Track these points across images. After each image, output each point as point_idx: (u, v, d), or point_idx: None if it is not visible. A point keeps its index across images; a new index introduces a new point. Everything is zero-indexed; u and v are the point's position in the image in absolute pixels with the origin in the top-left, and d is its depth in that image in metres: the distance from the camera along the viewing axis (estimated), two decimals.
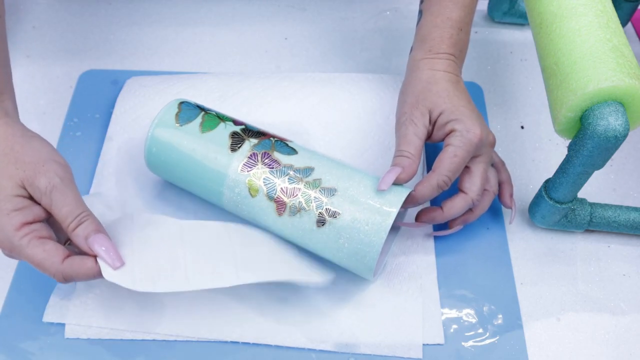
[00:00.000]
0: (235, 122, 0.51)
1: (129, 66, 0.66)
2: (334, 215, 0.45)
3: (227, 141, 0.49)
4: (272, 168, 0.47)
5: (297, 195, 0.46)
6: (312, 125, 0.60)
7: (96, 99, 0.63)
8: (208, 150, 0.49)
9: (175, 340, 0.48)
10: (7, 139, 0.44)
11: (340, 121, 0.61)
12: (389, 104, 0.62)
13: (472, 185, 0.49)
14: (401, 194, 0.46)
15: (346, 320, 0.49)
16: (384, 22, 0.72)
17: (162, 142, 0.51)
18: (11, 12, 0.72)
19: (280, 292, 0.51)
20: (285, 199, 0.46)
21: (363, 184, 0.46)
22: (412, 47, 0.53)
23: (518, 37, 0.70)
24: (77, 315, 0.49)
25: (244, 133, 0.49)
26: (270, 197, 0.47)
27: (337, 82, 0.64)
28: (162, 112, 0.51)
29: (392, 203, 0.45)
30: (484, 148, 0.49)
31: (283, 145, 0.49)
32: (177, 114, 0.51)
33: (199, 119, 0.50)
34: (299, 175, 0.47)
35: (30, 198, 0.43)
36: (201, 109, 0.52)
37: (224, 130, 0.49)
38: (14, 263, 0.52)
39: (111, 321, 0.49)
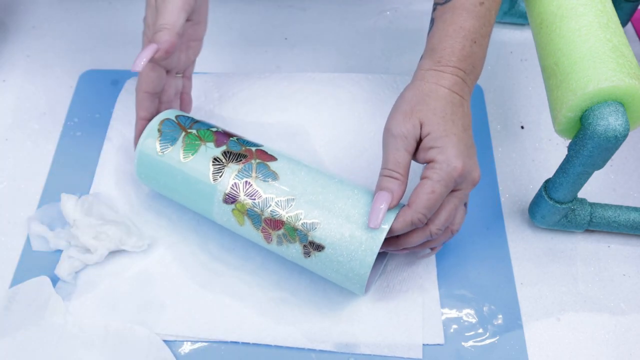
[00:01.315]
0: (217, 141, 0.48)
1: (129, 66, 0.66)
2: (317, 248, 0.45)
3: (209, 169, 0.47)
4: (254, 200, 0.46)
5: (280, 227, 0.45)
6: (312, 125, 0.61)
7: (96, 99, 0.63)
8: (191, 181, 0.48)
9: (175, 340, 0.48)
10: None
11: (340, 121, 0.61)
12: (389, 104, 0.62)
13: (437, 219, 0.45)
14: (382, 231, 0.44)
15: (346, 320, 0.49)
16: (384, 22, 0.72)
17: (147, 172, 0.50)
18: (11, 12, 0.72)
19: (280, 292, 0.51)
20: (270, 230, 0.46)
21: (346, 212, 0.44)
22: (422, 56, 0.50)
23: (518, 37, 0.70)
24: (78, 316, 0.49)
25: (225, 157, 0.47)
26: (257, 228, 0.46)
27: (337, 82, 0.64)
28: (144, 137, 0.49)
29: (374, 237, 0.43)
30: (463, 183, 0.45)
31: (264, 168, 0.47)
32: (158, 139, 0.49)
33: (179, 142, 0.48)
34: (280, 208, 0.45)
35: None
36: (182, 126, 0.49)
37: (205, 155, 0.48)
38: (14, 262, 0.52)
39: (110, 321, 0.49)
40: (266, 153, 0.48)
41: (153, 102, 0.51)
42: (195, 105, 0.62)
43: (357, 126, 0.61)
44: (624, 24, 0.67)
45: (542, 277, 0.53)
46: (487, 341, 0.49)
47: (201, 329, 0.49)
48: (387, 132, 0.46)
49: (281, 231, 0.45)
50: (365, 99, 0.62)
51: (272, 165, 0.47)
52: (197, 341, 0.49)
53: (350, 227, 0.44)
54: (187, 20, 0.49)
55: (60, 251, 0.52)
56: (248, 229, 0.47)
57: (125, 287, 0.51)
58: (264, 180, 0.46)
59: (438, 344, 0.49)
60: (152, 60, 0.45)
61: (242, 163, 0.47)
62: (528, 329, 0.50)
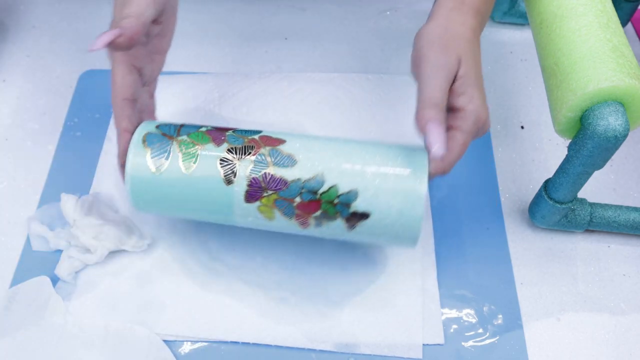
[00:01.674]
0: (215, 140, 0.44)
1: None
2: (362, 217, 0.42)
3: (219, 173, 0.43)
4: (281, 189, 0.42)
5: (317, 208, 0.42)
6: (312, 125, 0.61)
7: (96, 99, 0.63)
8: (202, 192, 0.43)
9: (175, 340, 0.48)
10: None
11: (340, 121, 0.61)
12: (389, 104, 0.62)
13: (452, 161, 0.43)
14: (422, 181, 0.42)
15: (346, 320, 0.49)
16: (384, 22, 0.72)
17: (147, 197, 0.45)
18: (11, 12, 0.72)
19: (280, 292, 0.51)
20: (306, 215, 0.43)
21: (380, 171, 0.42)
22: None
23: (518, 37, 0.70)
24: (78, 316, 0.49)
25: (231, 154, 0.43)
26: (289, 217, 0.43)
27: (337, 82, 0.64)
28: (131, 157, 0.44)
29: (416, 188, 0.41)
30: (480, 131, 0.44)
31: (278, 155, 0.43)
32: (149, 155, 0.43)
33: (174, 153, 0.43)
34: (312, 189, 0.42)
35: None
36: (168, 135, 0.44)
37: (209, 159, 0.43)
38: (14, 262, 0.52)
39: (110, 321, 0.49)
40: (272, 137, 0.44)
41: (134, 111, 0.46)
42: (195, 105, 0.62)
43: (357, 126, 0.61)
44: (624, 24, 0.67)
45: (542, 277, 0.53)
46: (487, 341, 0.49)
47: (201, 329, 0.49)
48: (425, 62, 0.43)
49: (318, 212, 0.42)
50: (365, 99, 0.62)
51: (284, 148, 0.43)
52: (197, 341, 0.49)
53: (389, 184, 0.41)
54: (155, 22, 0.46)
55: (60, 251, 0.52)
56: (280, 222, 0.44)
57: (125, 287, 0.51)
58: (284, 166, 0.42)
59: (438, 344, 0.49)
60: (114, 46, 0.41)
61: (253, 155, 0.43)
62: (528, 329, 0.50)
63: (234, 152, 0.43)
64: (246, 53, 0.68)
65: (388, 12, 0.73)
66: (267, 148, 0.43)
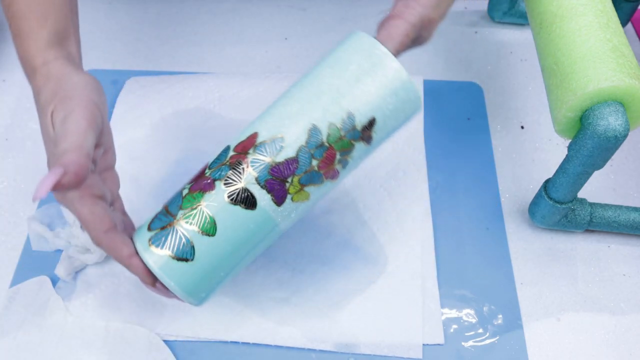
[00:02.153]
0: (203, 188, 0.40)
1: (129, 66, 0.66)
2: (370, 126, 0.40)
3: (239, 209, 0.39)
4: (295, 169, 0.40)
5: (335, 154, 0.40)
6: None
7: None
8: (241, 237, 0.40)
9: (175, 340, 0.48)
10: (60, 80, 0.41)
11: None
12: None
13: (390, 42, 0.41)
14: (381, 54, 0.40)
15: (346, 320, 0.49)
16: None
17: (201, 286, 0.41)
18: None
19: (281, 292, 0.51)
20: (330, 167, 0.41)
21: (356, 76, 0.40)
22: None
23: (518, 37, 0.70)
24: (78, 316, 0.49)
25: (230, 184, 0.39)
26: (320, 182, 0.41)
27: None
28: (162, 269, 0.39)
29: (387, 62, 0.40)
30: (421, 38, 0.44)
31: (264, 146, 0.40)
32: (171, 254, 0.39)
33: (189, 232, 0.39)
34: (316, 144, 0.39)
35: None
36: (168, 224, 0.40)
37: (219, 208, 0.39)
38: (14, 262, 0.52)
39: (111, 321, 0.49)
40: (243, 141, 0.41)
41: (123, 234, 0.41)
42: (195, 105, 0.62)
43: None
44: (624, 24, 0.67)
45: (542, 277, 0.53)
46: (487, 341, 0.49)
47: (201, 329, 0.49)
48: None
49: (338, 155, 0.40)
50: None
51: (261, 137, 0.40)
52: (197, 341, 0.49)
53: (368, 84, 0.40)
54: (96, 146, 0.41)
55: (60, 251, 0.52)
56: (317, 193, 0.42)
57: (125, 287, 0.51)
58: (278, 149, 0.40)
59: (438, 344, 0.49)
60: (60, 187, 0.36)
61: (247, 166, 0.40)
62: (528, 329, 0.50)
63: (231, 180, 0.40)
64: (246, 53, 0.68)
65: (388, 12, 0.73)
66: (251, 150, 0.40)
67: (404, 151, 0.59)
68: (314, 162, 0.40)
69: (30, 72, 0.42)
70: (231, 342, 0.48)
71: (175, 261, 0.39)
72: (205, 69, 0.66)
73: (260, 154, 0.40)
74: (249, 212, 0.40)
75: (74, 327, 0.48)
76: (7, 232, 0.54)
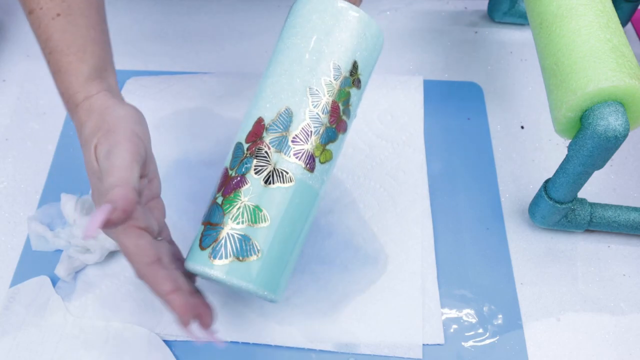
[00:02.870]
0: (236, 185, 0.41)
1: (129, 66, 0.66)
2: (355, 68, 0.43)
3: (279, 191, 0.40)
4: (311, 133, 0.41)
5: (338, 106, 0.42)
6: None
7: None
8: (287, 218, 0.41)
9: (175, 340, 0.48)
10: (102, 113, 0.41)
11: None
12: (389, 103, 0.62)
13: None
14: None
15: (346, 320, 0.49)
16: (384, 22, 0.72)
17: (276, 277, 0.41)
18: (11, 12, 0.72)
19: None
20: (338, 118, 0.42)
21: (320, 37, 0.42)
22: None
23: (518, 37, 0.70)
24: (77, 316, 0.49)
25: (261, 171, 0.40)
26: (334, 137, 0.42)
27: None
28: (232, 277, 0.39)
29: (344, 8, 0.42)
30: None
31: (275, 124, 0.41)
32: (237, 260, 0.40)
33: (244, 227, 0.40)
34: (321, 104, 0.41)
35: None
36: (215, 226, 0.41)
37: (261, 193, 0.40)
38: (14, 262, 0.52)
39: (111, 321, 0.49)
40: (251, 130, 0.42)
41: (166, 269, 0.41)
42: (195, 105, 0.62)
43: (355, 126, 0.61)
44: (624, 24, 0.67)
45: (542, 277, 0.53)
46: (487, 341, 0.49)
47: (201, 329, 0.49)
48: None
49: (341, 107, 0.42)
50: (365, 99, 0.62)
51: (269, 118, 0.41)
52: (197, 341, 0.48)
53: (341, 33, 0.42)
54: (141, 176, 0.41)
55: (60, 251, 0.52)
56: (337, 148, 0.43)
57: (125, 287, 0.51)
58: (290, 120, 0.41)
59: (438, 344, 0.49)
60: (110, 224, 0.35)
61: (267, 148, 0.41)
62: (528, 329, 0.50)
63: (259, 167, 0.40)
64: (246, 53, 0.68)
65: (388, 12, 0.73)
66: (264, 134, 0.41)
67: (404, 151, 0.59)
68: (324, 119, 0.42)
69: (72, 107, 0.42)
70: (231, 342, 0.48)
71: (242, 263, 0.39)
72: (205, 69, 0.66)
73: (275, 132, 0.41)
74: (288, 187, 0.40)
75: (74, 327, 0.48)
76: (7, 232, 0.54)
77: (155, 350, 0.47)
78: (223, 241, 0.40)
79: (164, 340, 0.48)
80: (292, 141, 0.41)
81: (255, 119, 0.42)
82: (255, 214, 0.40)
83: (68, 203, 0.53)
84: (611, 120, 0.41)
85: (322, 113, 0.41)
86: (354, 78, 0.43)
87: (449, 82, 0.66)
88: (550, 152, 0.60)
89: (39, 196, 0.56)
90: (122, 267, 0.52)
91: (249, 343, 0.48)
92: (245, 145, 0.42)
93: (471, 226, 0.55)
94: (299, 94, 0.41)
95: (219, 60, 0.68)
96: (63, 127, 0.61)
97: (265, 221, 0.40)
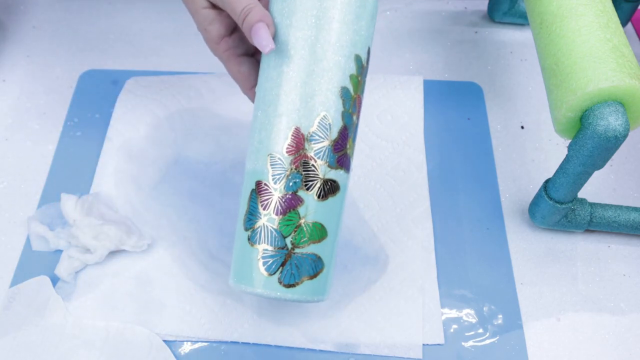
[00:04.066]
0: (290, 205, 0.40)
1: (129, 66, 0.66)
2: (359, 60, 0.41)
3: (332, 202, 0.40)
4: (347, 133, 0.40)
5: (361, 102, 0.41)
6: None
7: (96, 99, 0.63)
8: (337, 226, 0.42)
9: (175, 340, 0.48)
10: None
11: None
12: (389, 103, 0.62)
13: None
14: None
15: (346, 320, 0.49)
16: (384, 22, 0.72)
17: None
18: (11, 12, 0.72)
19: None
20: (360, 112, 0.42)
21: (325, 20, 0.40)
22: None
23: (518, 37, 0.70)
24: (77, 316, 0.49)
25: (311, 185, 0.40)
26: (348, 117, 0.41)
27: None
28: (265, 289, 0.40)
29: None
30: None
31: (316, 132, 0.40)
32: (310, 279, 0.41)
33: (309, 247, 0.40)
34: (351, 100, 0.40)
35: (216, 7, 0.43)
36: (279, 249, 0.40)
37: (317, 209, 0.40)
38: (14, 262, 0.52)
39: (111, 321, 0.49)
40: (290, 142, 0.40)
41: None
42: (195, 105, 0.62)
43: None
44: (624, 24, 0.67)
45: (542, 277, 0.53)
46: (487, 341, 0.49)
47: (201, 329, 0.49)
48: None
49: (361, 97, 0.42)
50: (365, 99, 0.62)
51: (306, 126, 0.40)
52: (197, 341, 0.49)
53: (359, 21, 0.40)
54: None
55: (60, 251, 0.52)
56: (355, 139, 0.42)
57: (125, 287, 0.51)
58: (329, 127, 0.40)
59: (438, 344, 0.49)
60: (272, 34, 0.39)
61: (314, 161, 0.40)
62: (528, 329, 0.50)
63: (309, 182, 0.40)
64: None
65: (388, 12, 0.73)
66: (306, 145, 0.40)
67: (404, 151, 0.59)
68: (354, 118, 0.41)
69: None
70: (231, 342, 0.48)
71: (313, 280, 0.41)
72: (206, 69, 0.66)
73: (317, 142, 0.40)
74: (338, 196, 0.41)
75: (74, 327, 0.48)
76: (7, 232, 0.54)
77: (156, 350, 0.47)
78: (291, 264, 0.40)
79: (164, 341, 0.48)
80: (335, 149, 0.40)
81: (290, 128, 0.40)
82: (316, 231, 0.40)
83: (68, 203, 0.53)
84: (611, 120, 0.41)
85: (353, 111, 0.41)
86: (367, 65, 0.42)
87: (449, 82, 0.66)
88: (550, 152, 0.60)
89: (39, 196, 0.56)
90: (122, 267, 0.52)
91: (249, 343, 0.48)
92: (287, 159, 0.40)
93: (471, 226, 0.55)
94: (332, 96, 0.39)
95: (219, 60, 0.67)
96: (63, 127, 0.61)
97: (326, 235, 0.41)
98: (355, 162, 0.58)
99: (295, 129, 0.40)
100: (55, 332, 0.48)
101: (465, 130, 0.62)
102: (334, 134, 0.40)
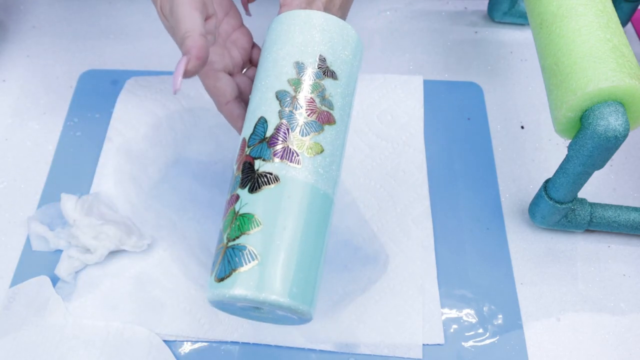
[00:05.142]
0: (230, 203, 0.41)
1: (129, 66, 0.66)
2: (326, 66, 0.43)
3: (269, 193, 0.39)
4: (287, 127, 0.41)
5: (314, 101, 0.42)
6: None
7: (96, 99, 0.63)
8: (285, 220, 0.39)
9: (175, 340, 0.48)
10: None
11: None
12: (389, 103, 0.62)
13: None
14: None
15: (346, 320, 0.49)
16: (384, 22, 0.72)
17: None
18: (11, 12, 0.72)
19: None
20: (316, 112, 0.42)
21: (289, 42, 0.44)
22: None
23: (518, 37, 0.70)
24: (77, 316, 0.49)
25: (246, 179, 0.40)
26: (320, 130, 0.42)
27: None
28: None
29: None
30: None
31: (254, 134, 0.42)
32: (240, 272, 0.38)
33: (241, 239, 0.39)
34: (291, 98, 0.42)
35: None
36: (221, 241, 0.40)
37: (249, 200, 0.40)
38: (14, 262, 0.52)
39: (111, 321, 0.49)
40: (239, 150, 0.42)
41: (242, 111, 0.46)
42: (195, 105, 0.62)
43: (355, 126, 0.61)
44: (624, 24, 0.67)
45: (542, 277, 0.53)
46: (487, 341, 0.49)
47: (201, 329, 0.49)
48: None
49: (316, 98, 0.42)
50: (365, 99, 0.62)
51: (247, 132, 0.42)
52: (197, 341, 0.49)
53: (301, 35, 0.43)
54: (207, 19, 0.43)
55: (60, 251, 0.52)
56: (327, 140, 0.42)
57: (125, 287, 0.51)
58: (266, 126, 0.41)
59: (438, 344, 0.49)
60: (189, 74, 0.39)
61: (251, 159, 0.41)
62: (528, 329, 0.50)
63: (245, 179, 0.40)
64: None
65: (388, 12, 0.73)
66: (247, 148, 0.42)
67: (404, 151, 0.59)
68: (300, 114, 0.41)
69: None
70: (231, 342, 0.48)
71: (244, 273, 0.38)
72: None
73: (253, 143, 0.41)
74: (276, 186, 0.39)
75: (74, 327, 0.48)
76: (7, 232, 0.54)
77: (156, 350, 0.47)
78: (224, 259, 0.39)
79: (164, 341, 0.48)
80: (270, 144, 0.40)
81: (240, 142, 0.43)
82: (246, 222, 0.39)
83: (68, 203, 0.53)
84: (611, 120, 0.41)
85: (296, 109, 0.41)
86: (324, 70, 0.43)
87: (449, 82, 0.66)
88: (550, 152, 0.60)
89: (39, 196, 0.56)
90: (122, 267, 0.52)
91: (249, 343, 0.48)
92: (234, 167, 0.42)
93: (471, 226, 0.55)
94: (268, 101, 0.42)
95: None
96: (63, 127, 0.61)
97: (257, 225, 0.39)
98: (355, 162, 0.58)
99: (242, 140, 0.43)
100: (55, 332, 0.48)
101: (465, 130, 0.62)
102: (270, 132, 0.41)
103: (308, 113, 0.41)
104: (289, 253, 0.38)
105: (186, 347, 0.48)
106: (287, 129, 0.41)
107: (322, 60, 0.43)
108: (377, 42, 0.69)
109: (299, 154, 0.40)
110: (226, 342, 0.48)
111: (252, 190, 0.40)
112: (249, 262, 0.38)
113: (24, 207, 0.56)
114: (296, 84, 0.42)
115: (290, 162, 0.40)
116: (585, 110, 0.43)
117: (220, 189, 0.56)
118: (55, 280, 0.51)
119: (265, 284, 0.37)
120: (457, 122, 0.62)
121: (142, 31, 0.70)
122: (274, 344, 0.48)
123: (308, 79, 0.42)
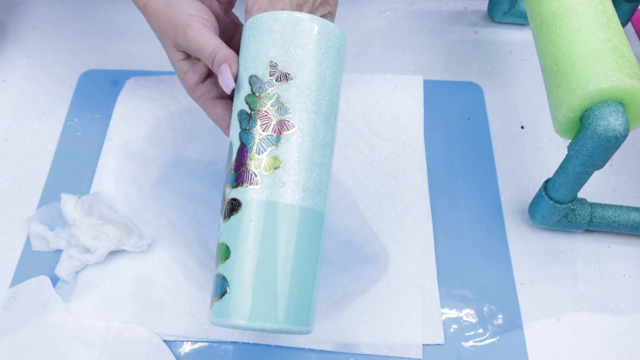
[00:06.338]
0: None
1: (129, 66, 0.66)
2: (278, 71, 0.41)
3: (235, 222, 0.40)
4: (245, 149, 0.41)
5: (268, 114, 0.41)
6: None
7: (96, 99, 0.63)
8: (254, 247, 0.40)
9: (176, 341, 0.48)
10: (159, 11, 0.47)
11: (340, 121, 0.61)
12: (389, 103, 0.62)
13: None
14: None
15: (346, 320, 0.49)
16: (384, 22, 0.72)
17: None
18: (11, 12, 0.72)
19: None
20: (270, 125, 0.41)
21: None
22: None
23: (518, 37, 0.70)
24: (77, 316, 0.49)
25: (221, 210, 0.42)
26: (277, 142, 0.41)
27: None
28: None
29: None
30: None
31: (225, 162, 0.43)
32: (217, 300, 0.40)
33: (220, 269, 0.40)
34: (248, 117, 0.42)
35: (190, 57, 0.47)
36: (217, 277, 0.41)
37: (224, 230, 0.41)
38: (14, 262, 0.52)
39: (111, 321, 0.49)
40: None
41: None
42: (194, 105, 0.62)
43: (355, 126, 0.61)
44: (624, 24, 0.67)
45: (542, 277, 0.53)
46: (487, 341, 0.49)
47: (201, 329, 0.49)
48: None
49: (270, 109, 0.41)
50: (366, 99, 0.62)
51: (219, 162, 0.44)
52: (197, 341, 0.49)
53: (250, 42, 0.43)
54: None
55: (60, 251, 0.52)
56: (287, 150, 0.41)
57: (125, 287, 0.51)
58: (231, 151, 0.42)
59: (438, 344, 0.49)
60: (234, 75, 0.43)
61: (225, 189, 0.42)
62: (528, 329, 0.50)
63: (222, 209, 0.42)
64: None
65: (388, 12, 0.73)
66: (224, 177, 0.43)
67: (404, 151, 0.59)
68: (255, 132, 0.41)
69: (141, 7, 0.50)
70: (231, 342, 0.48)
71: (220, 302, 0.40)
72: None
73: (225, 169, 0.43)
74: (239, 213, 0.40)
75: (74, 327, 0.48)
76: (7, 232, 0.54)
77: (156, 350, 0.47)
78: (213, 285, 0.41)
79: (164, 341, 0.48)
80: (235, 169, 0.41)
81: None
82: (221, 252, 0.41)
83: (68, 203, 0.53)
84: (611, 120, 0.41)
85: (252, 127, 0.41)
86: (276, 76, 0.41)
87: (449, 82, 0.66)
88: (550, 152, 0.60)
89: (39, 196, 0.56)
90: (122, 267, 0.52)
91: (249, 343, 0.48)
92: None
93: (471, 226, 0.55)
94: (234, 124, 0.43)
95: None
96: (63, 127, 0.61)
97: (229, 254, 0.40)
98: (355, 162, 0.58)
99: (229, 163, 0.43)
100: (55, 332, 0.48)
101: (465, 130, 0.62)
102: (234, 156, 0.41)
103: (263, 128, 0.41)
104: (255, 276, 0.39)
105: (186, 347, 0.48)
106: (245, 151, 0.41)
107: (274, 65, 0.41)
108: (377, 42, 0.69)
109: (257, 174, 0.40)
110: (226, 342, 0.48)
111: (224, 218, 0.41)
112: (223, 289, 0.40)
113: (24, 207, 0.56)
114: (251, 100, 0.42)
115: (250, 184, 0.40)
116: (585, 110, 0.43)
117: (220, 189, 0.56)
118: (55, 280, 0.51)
119: (232, 309, 0.39)
120: (457, 122, 0.62)
121: (142, 31, 0.70)
122: (274, 344, 0.48)
123: (259, 92, 0.41)
